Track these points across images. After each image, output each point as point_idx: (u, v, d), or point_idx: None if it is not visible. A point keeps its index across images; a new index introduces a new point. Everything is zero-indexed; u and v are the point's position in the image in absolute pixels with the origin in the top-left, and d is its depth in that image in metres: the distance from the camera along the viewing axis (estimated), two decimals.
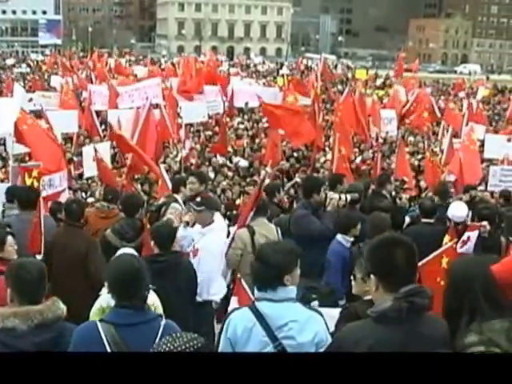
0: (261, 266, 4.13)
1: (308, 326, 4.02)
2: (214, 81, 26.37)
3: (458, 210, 8.08)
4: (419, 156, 18.46)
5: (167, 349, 3.31)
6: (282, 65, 62.44)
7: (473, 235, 7.30)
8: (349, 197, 8.37)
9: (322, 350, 3.94)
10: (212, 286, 7.00)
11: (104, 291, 5.76)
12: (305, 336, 3.87)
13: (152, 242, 6.48)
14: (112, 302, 5.41)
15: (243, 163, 16.28)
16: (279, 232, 7.86)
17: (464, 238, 7.22)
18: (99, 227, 8.10)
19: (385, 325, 3.17)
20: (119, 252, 5.74)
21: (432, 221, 8.31)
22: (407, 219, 9.08)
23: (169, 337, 3.41)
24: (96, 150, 11.73)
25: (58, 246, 7.22)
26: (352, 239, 7.29)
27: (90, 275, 6.86)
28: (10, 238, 6.06)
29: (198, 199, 7.36)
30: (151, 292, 5.24)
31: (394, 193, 11.23)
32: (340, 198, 8.20)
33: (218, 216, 7.55)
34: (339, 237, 7.31)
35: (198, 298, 6.78)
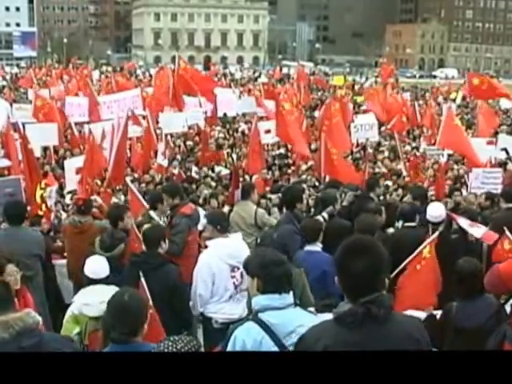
0: (278, 269, 4.10)
1: None
2: (192, 90, 25.92)
3: (434, 210, 8.03)
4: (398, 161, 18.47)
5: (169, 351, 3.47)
6: (260, 73, 62.57)
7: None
8: (325, 215, 8.26)
9: None
10: (206, 304, 6.58)
11: (76, 298, 5.69)
12: None
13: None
14: (84, 309, 5.56)
15: (225, 173, 16.12)
16: (258, 211, 9.20)
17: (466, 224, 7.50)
18: (76, 243, 8.24)
19: (342, 326, 3.15)
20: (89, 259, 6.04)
21: (414, 224, 8.24)
22: None
23: (167, 340, 3.58)
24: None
25: None
26: (321, 246, 7.07)
27: None
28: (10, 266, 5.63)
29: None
30: None
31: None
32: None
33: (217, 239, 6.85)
34: (307, 247, 7.09)
35: (193, 312, 6.65)
